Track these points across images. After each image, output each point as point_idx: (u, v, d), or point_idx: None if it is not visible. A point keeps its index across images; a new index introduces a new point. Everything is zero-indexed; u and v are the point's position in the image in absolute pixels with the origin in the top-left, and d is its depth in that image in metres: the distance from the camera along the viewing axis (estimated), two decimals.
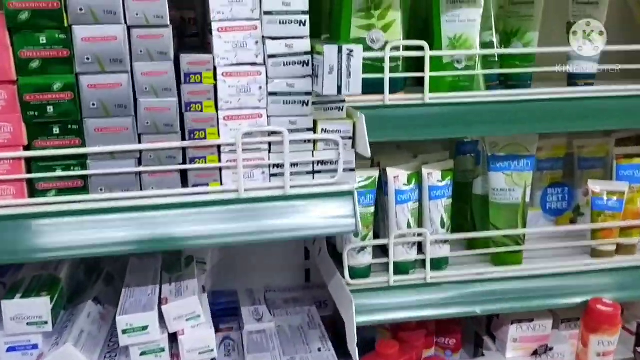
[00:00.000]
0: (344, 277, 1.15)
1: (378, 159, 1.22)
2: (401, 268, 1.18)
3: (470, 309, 1.18)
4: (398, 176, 1.15)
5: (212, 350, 1.03)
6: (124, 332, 0.98)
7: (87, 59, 0.89)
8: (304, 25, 0.95)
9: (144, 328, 0.98)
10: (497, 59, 1.19)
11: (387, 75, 1.05)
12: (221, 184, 0.99)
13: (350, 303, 1.08)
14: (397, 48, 1.07)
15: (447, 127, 1.10)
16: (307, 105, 0.99)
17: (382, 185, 1.17)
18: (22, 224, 0.91)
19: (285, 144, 0.98)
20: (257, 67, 0.96)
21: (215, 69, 0.95)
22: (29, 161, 0.92)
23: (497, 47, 1.19)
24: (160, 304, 1.02)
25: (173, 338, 1.03)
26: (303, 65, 0.97)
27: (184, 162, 0.97)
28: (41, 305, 0.98)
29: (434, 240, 1.18)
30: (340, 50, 0.90)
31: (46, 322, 0.98)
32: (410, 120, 1.08)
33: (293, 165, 1.00)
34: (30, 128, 0.91)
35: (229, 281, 1.41)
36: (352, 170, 1.03)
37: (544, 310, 1.26)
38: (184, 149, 0.97)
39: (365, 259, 1.17)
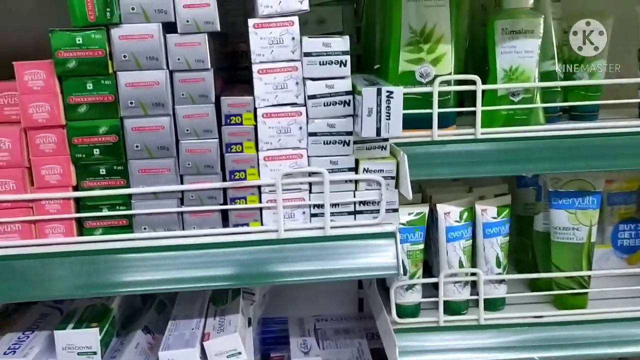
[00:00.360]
0: (390, 314, 1.11)
1: (430, 192, 1.18)
2: (453, 307, 1.13)
3: (527, 355, 1.10)
4: (449, 212, 1.10)
5: None
6: None
7: (131, 103, 0.92)
8: (345, 65, 0.93)
9: None
10: (559, 89, 1.12)
11: (435, 110, 1.01)
12: (262, 224, 0.99)
13: (394, 345, 1.05)
14: (447, 82, 1.03)
15: (501, 164, 1.04)
16: (348, 145, 0.96)
17: (433, 219, 1.13)
18: (71, 261, 0.95)
19: (325, 184, 0.96)
20: (298, 107, 0.95)
21: (255, 110, 0.95)
22: (77, 201, 0.96)
23: (560, 76, 1.12)
24: (202, 339, 1.03)
25: None
26: (344, 105, 0.94)
27: (225, 202, 0.98)
28: (91, 336, 1.01)
29: (489, 280, 1.12)
30: (379, 93, 0.87)
31: (95, 353, 1.02)
32: (460, 157, 1.04)
33: (334, 205, 0.98)
34: (78, 169, 0.95)
35: (281, 308, 1.41)
36: (395, 210, 1.00)
37: None
38: (224, 190, 0.98)
39: (414, 297, 1.13)
